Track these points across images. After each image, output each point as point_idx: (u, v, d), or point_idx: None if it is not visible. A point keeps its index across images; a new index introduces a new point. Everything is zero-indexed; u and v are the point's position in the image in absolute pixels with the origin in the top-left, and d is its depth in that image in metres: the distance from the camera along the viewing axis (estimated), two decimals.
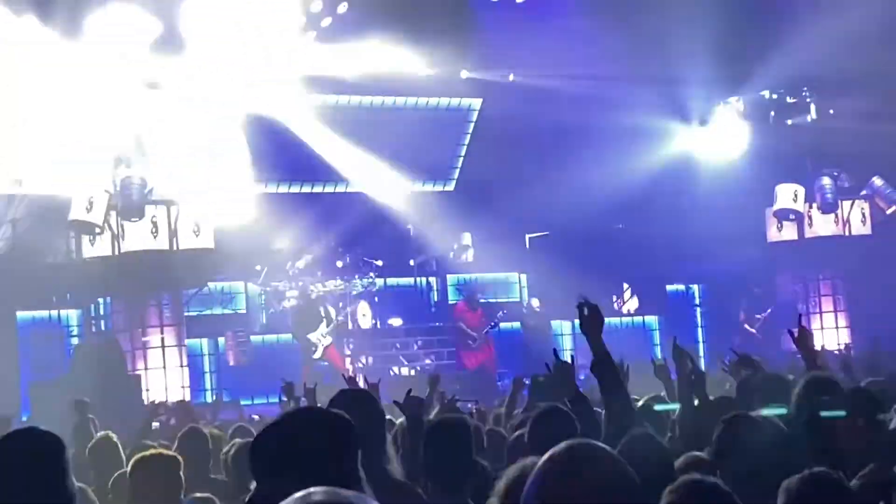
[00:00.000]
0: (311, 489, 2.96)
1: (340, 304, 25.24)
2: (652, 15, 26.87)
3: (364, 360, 25.00)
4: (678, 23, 26.40)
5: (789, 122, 29.11)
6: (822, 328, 26.39)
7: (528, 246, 29.07)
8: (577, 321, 6.77)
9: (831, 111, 28.94)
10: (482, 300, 25.02)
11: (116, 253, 21.05)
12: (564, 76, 28.09)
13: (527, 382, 11.06)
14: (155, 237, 21.07)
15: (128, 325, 21.65)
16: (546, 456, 3.26)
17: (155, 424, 11.55)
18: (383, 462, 5.74)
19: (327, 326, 22.49)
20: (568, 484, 3.19)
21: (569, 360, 10.23)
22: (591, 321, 6.62)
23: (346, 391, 6.46)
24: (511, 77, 29.44)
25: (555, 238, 28.61)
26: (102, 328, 23.48)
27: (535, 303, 25.82)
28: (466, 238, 27.69)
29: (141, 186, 20.87)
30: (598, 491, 3.15)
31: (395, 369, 25.06)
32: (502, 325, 26.36)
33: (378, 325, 26.24)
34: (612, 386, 6.62)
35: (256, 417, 13.69)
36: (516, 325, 26.83)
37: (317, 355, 22.15)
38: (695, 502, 4.42)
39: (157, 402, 11.91)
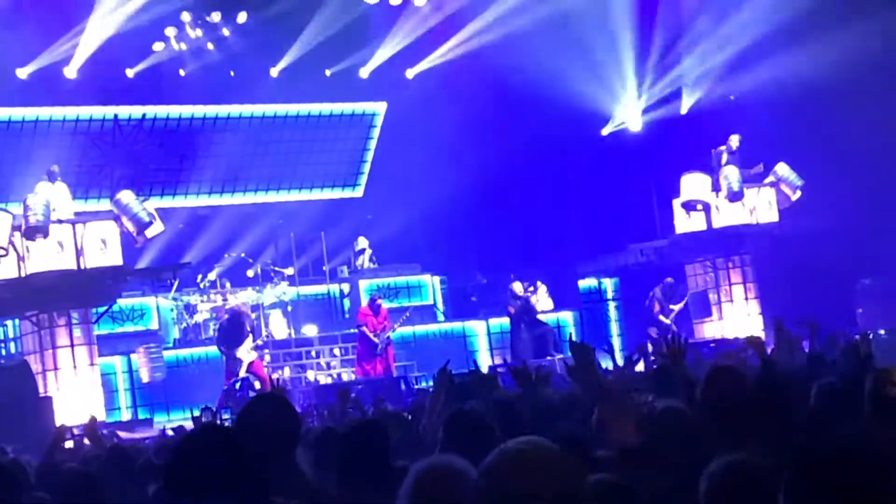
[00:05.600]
0: None
1: (254, 315, 25.08)
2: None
3: (280, 371, 24.89)
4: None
5: (684, 111, 29.47)
6: (734, 316, 26.61)
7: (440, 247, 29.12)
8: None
9: (732, 97, 29.27)
10: (384, 301, 24.79)
11: (22, 274, 20.70)
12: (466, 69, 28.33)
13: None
14: (61, 256, 20.73)
15: (37, 346, 21.30)
16: (496, 452, 3.26)
17: (69, 444, 11.37)
18: (295, 466, 5.66)
19: (252, 342, 22.29)
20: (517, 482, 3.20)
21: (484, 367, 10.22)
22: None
23: (260, 397, 6.38)
24: (409, 74, 29.62)
25: (464, 234, 28.73)
26: (12, 351, 23.16)
27: (518, 287, 25.72)
28: (362, 242, 27.56)
29: (45, 206, 20.54)
30: (545, 483, 3.17)
31: (311, 377, 24.94)
32: (416, 329, 26.32)
33: (292, 335, 26.10)
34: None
35: (171, 433, 13.54)
36: (431, 328, 26.79)
37: (241, 370, 21.95)
38: None
39: (63, 425, 11.67)
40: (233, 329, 22.30)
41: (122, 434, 18.41)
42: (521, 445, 3.28)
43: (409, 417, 9.25)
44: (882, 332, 18.47)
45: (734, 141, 26.26)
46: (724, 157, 26.16)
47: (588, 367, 7.98)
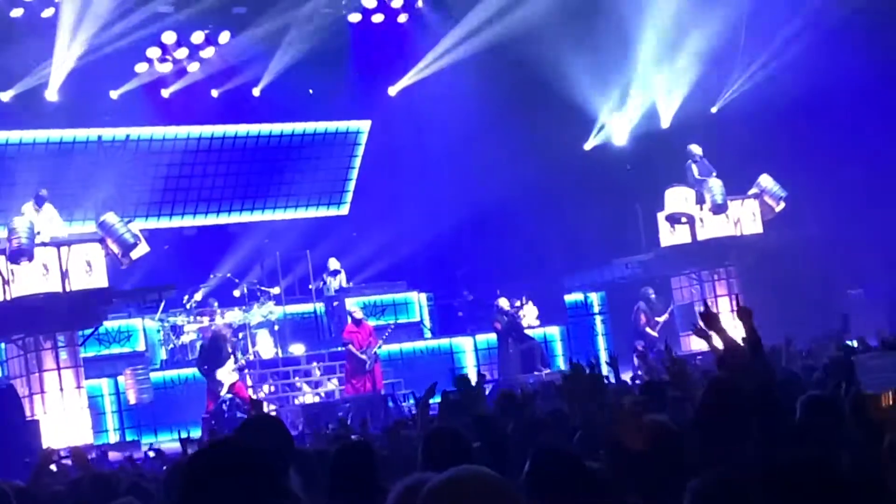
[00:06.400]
0: None
1: (241, 335, 25.05)
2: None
3: (267, 389, 24.86)
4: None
5: (665, 125, 29.53)
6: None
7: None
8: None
9: (713, 110, 29.37)
10: (365, 317, 24.76)
11: (7, 298, 20.66)
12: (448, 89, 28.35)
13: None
14: (46, 279, 20.70)
15: (23, 370, 21.25)
16: (429, 484, 3.23)
17: (52, 468, 11.34)
18: (287, 488, 5.65)
19: (234, 363, 22.25)
20: None
21: (473, 379, 10.25)
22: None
23: (254, 418, 6.39)
24: (392, 91, 29.66)
25: (449, 250, 28.70)
26: None
27: (505, 303, 25.81)
28: (334, 263, 27.51)
29: (29, 229, 20.52)
30: None
31: (300, 398, 24.90)
32: (403, 346, 26.33)
33: (280, 354, 26.06)
34: None
35: (152, 454, 13.50)
36: (418, 345, 26.81)
37: (223, 391, 21.90)
38: None
39: (50, 448, 11.65)
40: (211, 351, 22.26)
41: (112, 455, 18.38)
42: (456, 476, 3.25)
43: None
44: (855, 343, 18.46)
45: (696, 149, 26.41)
46: (695, 168, 26.27)
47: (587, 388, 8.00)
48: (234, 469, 3.92)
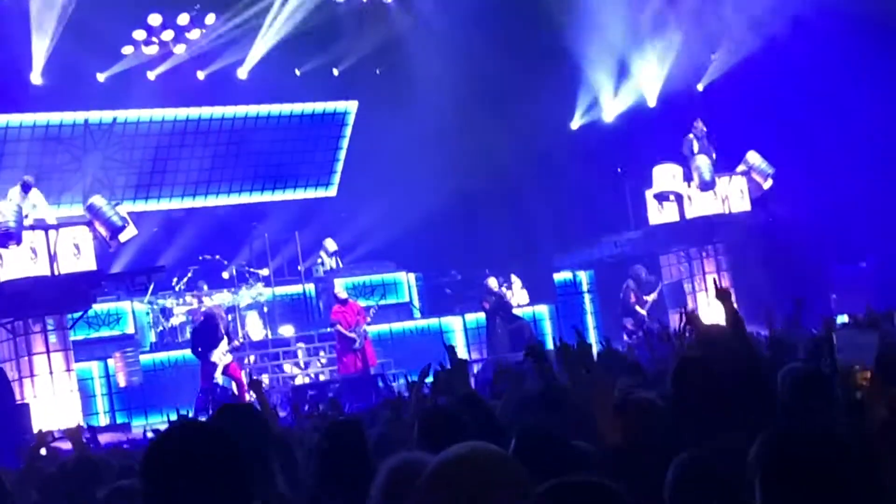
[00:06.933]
0: None
1: (230, 317, 25.03)
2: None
3: (254, 371, 24.86)
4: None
5: (652, 104, 29.51)
6: (708, 305, 26.65)
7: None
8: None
9: (699, 87, 29.37)
10: (349, 295, 24.74)
11: None
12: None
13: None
14: (35, 263, 20.67)
15: (13, 354, 21.23)
16: (435, 461, 3.22)
17: (43, 451, 11.35)
18: (267, 475, 5.65)
19: (228, 344, 22.23)
20: (456, 485, 3.16)
21: (463, 357, 10.24)
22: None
23: (229, 406, 6.37)
24: (378, 72, 29.58)
25: (438, 230, 28.67)
26: None
27: (493, 283, 25.82)
28: (330, 244, 27.47)
29: (17, 213, 20.47)
30: (486, 493, 3.12)
31: (291, 380, 24.90)
32: (393, 326, 26.33)
33: (269, 336, 26.06)
34: None
35: (150, 434, 13.51)
36: (407, 325, 26.81)
37: (218, 373, 21.89)
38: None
39: (43, 430, 11.64)
40: (206, 332, 22.24)
41: (102, 437, 18.36)
42: (463, 452, 3.23)
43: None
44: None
45: (699, 125, 26.40)
46: (696, 144, 26.25)
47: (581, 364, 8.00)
48: (198, 450, 3.90)
